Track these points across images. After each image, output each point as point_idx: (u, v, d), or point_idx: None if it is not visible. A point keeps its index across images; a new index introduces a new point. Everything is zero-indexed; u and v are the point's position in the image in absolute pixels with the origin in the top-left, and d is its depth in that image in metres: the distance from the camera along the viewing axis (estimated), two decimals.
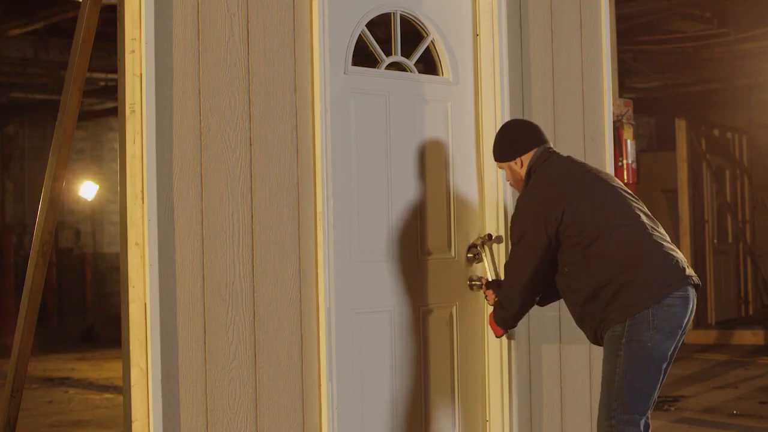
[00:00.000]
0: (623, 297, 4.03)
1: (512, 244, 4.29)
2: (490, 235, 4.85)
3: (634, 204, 4.20)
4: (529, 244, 4.17)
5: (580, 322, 4.25)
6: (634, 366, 4.02)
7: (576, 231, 4.08)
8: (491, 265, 4.77)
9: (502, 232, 4.90)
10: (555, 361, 5.13)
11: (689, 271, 4.12)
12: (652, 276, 4.04)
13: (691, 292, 4.09)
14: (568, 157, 4.38)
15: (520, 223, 4.22)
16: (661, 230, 4.21)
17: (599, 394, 4.15)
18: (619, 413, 4.03)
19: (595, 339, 4.23)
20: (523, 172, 4.34)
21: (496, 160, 4.47)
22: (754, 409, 7.70)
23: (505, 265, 4.40)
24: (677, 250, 4.17)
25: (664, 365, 4.06)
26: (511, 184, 4.49)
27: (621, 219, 4.12)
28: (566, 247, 4.13)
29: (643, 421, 4.07)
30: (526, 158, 4.33)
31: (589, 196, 4.16)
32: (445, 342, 4.84)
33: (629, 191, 4.30)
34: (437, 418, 4.80)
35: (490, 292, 4.58)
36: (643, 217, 4.17)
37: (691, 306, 4.07)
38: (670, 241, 4.20)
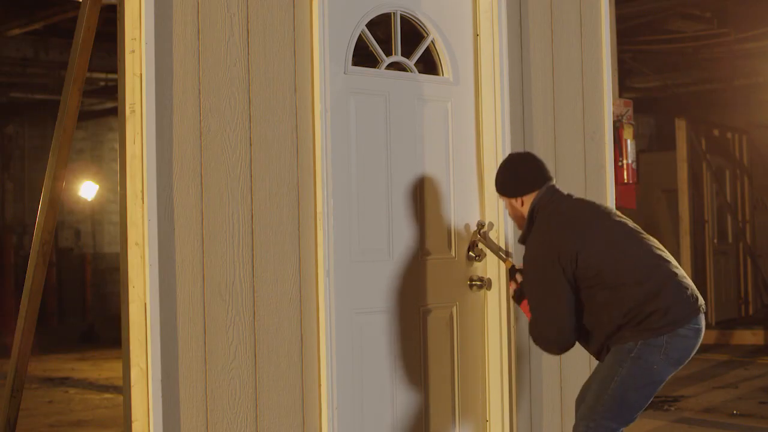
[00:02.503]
0: (642, 325, 4.03)
1: (530, 295, 4.17)
2: (481, 223, 4.83)
3: (643, 237, 4.20)
4: (552, 289, 4.06)
5: (587, 343, 4.23)
6: (633, 382, 4.03)
7: (593, 273, 4.05)
8: (499, 250, 4.74)
9: (502, 232, 4.89)
10: (555, 362, 5.13)
11: (701, 300, 4.14)
12: (671, 308, 4.03)
13: (702, 322, 4.12)
14: (570, 196, 4.33)
15: (535, 271, 4.13)
16: (671, 258, 4.19)
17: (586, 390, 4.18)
18: (602, 419, 4.05)
19: (599, 354, 4.20)
20: (524, 210, 4.30)
21: (499, 193, 4.41)
22: (754, 409, 7.69)
23: (531, 323, 4.20)
24: (687, 277, 4.19)
25: (659, 388, 4.11)
26: (510, 216, 4.44)
27: (634, 255, 4.10)
28: (584, 289, 4.08)
29: (620, 430, 4.11)
30: (528, 199, 4.29)
31: (601, 235, 4.12)
32: (445, 342, 4.84)
33: (634, 225, 4.28)
34: (437, 418, 4.80)
35: (512, 283, 4.48)
36: (655, 250, 4.15)
37: (701, 335, 4.12)
38: (680, 268, 4.20)
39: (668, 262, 4.14)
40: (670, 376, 4.11)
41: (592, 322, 4.11)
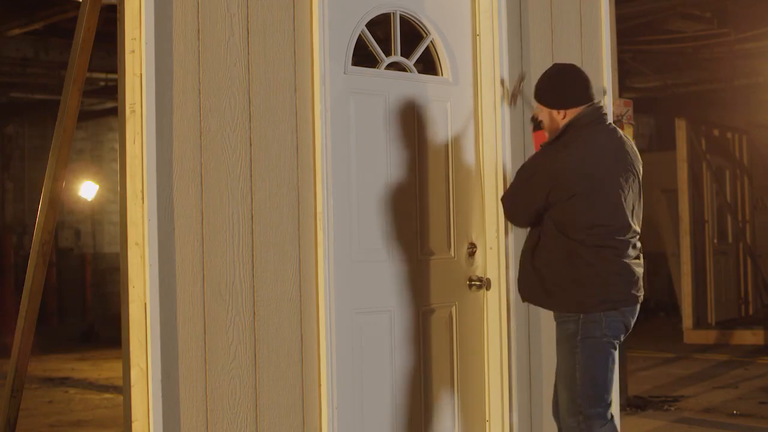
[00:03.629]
0: (584, 289, 4.14)
1: (518, 176, 4.35)
2: (522, 76, 4.90)
3: (633, 206, 4.26)
4: (531, 191, 4.23)
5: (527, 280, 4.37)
6: (593, 361, 4.14)
7: (569, 216, 4.15)
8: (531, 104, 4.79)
9: (502, 232, 4.89)
10: (555, 361, 5.12)
11: (641, 291, 4.28)
12: (610, 287, 4.16)
13: (637, 309, 4.27)
14: (610, 128, 4.32)
15: (536, 166, 4.26)
16: (638, 243, 4.29)
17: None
18: (586, 408, 4.12)
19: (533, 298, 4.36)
20: (562, 123, 4.27)
21: (539, 101, 4.36)
22: (754, 409, 7.69)
23: (504, 196, 4.49)
24: (642, 266, 4.31)
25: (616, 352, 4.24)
26: (544, 128, 4.39)
27: (620, 225, 4.20)
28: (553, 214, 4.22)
29: (608, 413, 4.18)
30: (571, 113, 4.27)
31: (601, 193, 4.17)
32: (445, 342, 4.84)
33: (638, 190, 4.32)
34: (437, 417, 4.80)
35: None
36: (632, 230, 4.24)
37: (634, 319, 4.26)
38: (640, 254, 4.31)
39: (636, 249, 4.26)
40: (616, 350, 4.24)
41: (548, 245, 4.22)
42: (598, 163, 4.20)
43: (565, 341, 4.20)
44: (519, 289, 4.45)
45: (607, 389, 4.18)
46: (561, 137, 4.25)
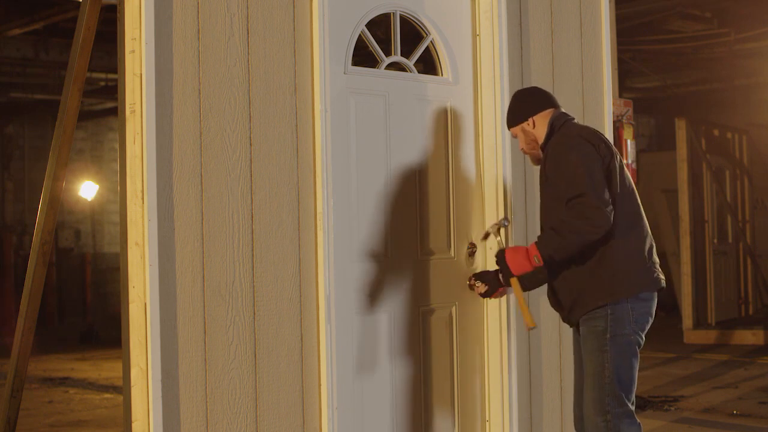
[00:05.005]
0: (612, 278, 4.09)
1: (568, 181, 4.04)
2: (503, 223, 4.64)
3: (634, 193, 4.26)
4: (591, 160, 4.05)
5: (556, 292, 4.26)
6: (621, 359, 4.11)
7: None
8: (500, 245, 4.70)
9: (501, 230, 4.89)
10: (555, 361, 5.13)
11: (662, 276, 4.24)
12: (639, 270, 4.14)
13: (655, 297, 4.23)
14: (588, 127, 4.34)
15: (569, 152, 4.07)
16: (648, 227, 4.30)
17: (589, 389, 4.17)
18: (614, 407, 4.10)
19: (569, 319, 4.27)
20: (537, 132, 4.27)
21: (508, 127, 4.39)
22: (754, 409, 7.69)
23: (570, 216, 4.04)
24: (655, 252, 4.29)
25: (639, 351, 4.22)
26: (525, 152, 4.36)
27: (631, 204, 4.18)
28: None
29: (633, 411, 4.18)
30: (539, 119, 4.28)
31: (612, 165, 4.15)
32: (444, 342, 4.84)
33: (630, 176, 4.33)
34: (437, 417, 4.80)
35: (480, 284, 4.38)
36: (641, 211, 4.24)
37: (656, 305, 4.23)
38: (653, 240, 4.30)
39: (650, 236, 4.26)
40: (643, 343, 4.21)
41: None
42: (603, 140, 4.21)
43: (594, 338, 4.12)
44: (572, 311, 4.22)
45: (633, 388, 4.16)
46: (549, 139, 4.24)
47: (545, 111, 4.29)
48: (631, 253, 4.12)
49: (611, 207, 4.01)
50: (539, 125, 4.27)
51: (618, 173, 4.14)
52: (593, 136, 4.17)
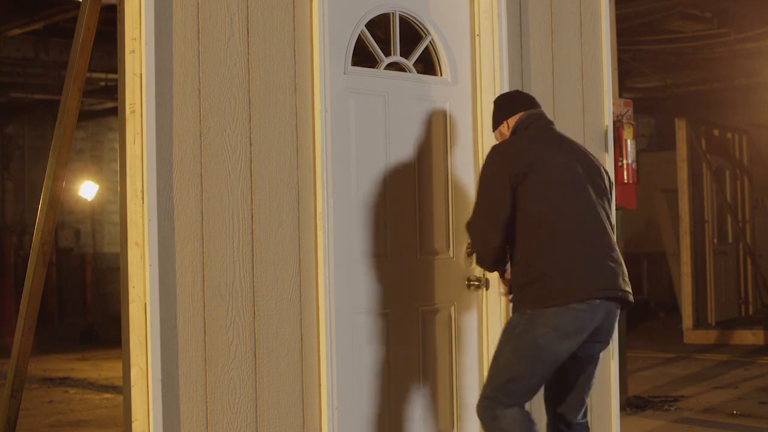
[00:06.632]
0: (542, 286, 3.97)
1: (477, 197, 4.18)
2: None
3: (598, 202, 4.11)
4: (495, 198, 4.06)
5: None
6: (519, 359, 3.98)
7: (533, 202, 4.01)
8: None
9: None
10: None
11: (625, 288, 4.05)
12: (574, 278, 3.97)
13: (606, 306, 4.00)
14: (556, 132, 4.29)
15: (485, 176, 4.14)
16: (612, 238, 4.11)
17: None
18: (500, 396, 3.98)
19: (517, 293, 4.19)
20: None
21: (493, 131, 4.43)
22: (754, 409, 7.69)
23: (468, 224, 4.26)
24: (620, 264, 4.08)
25: (559, 363, 4.01)
26: None
27: (576, 209, 4.05)
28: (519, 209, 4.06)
29: (527, 405, 4.07)
30: (513, 122, 4.30)
31: (557, 169, 4.07)
32: (444, 342, 4.84)
33: (605, 187, 4.20)
34: (437, 417, 4.80)
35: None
36: (599, 218, 4.08)
37: (601, 316, 4.00)
38: (617, 252, 4.09)
39: (607, 240, 4.07)
40: (568, 353, 3.99)
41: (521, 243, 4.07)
42: (553, 142, 4.16)
43: (505, 330, 4.10)
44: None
45: (529, 391, 4.01)
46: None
47: (518, 114, 4.30)
48: (566, 262, 3.96)
49: (498, 241, 4.05)
50: (512, 128, 4.31)
51: (561, 182, 4.04)
52: (519, 149, 4.09)
